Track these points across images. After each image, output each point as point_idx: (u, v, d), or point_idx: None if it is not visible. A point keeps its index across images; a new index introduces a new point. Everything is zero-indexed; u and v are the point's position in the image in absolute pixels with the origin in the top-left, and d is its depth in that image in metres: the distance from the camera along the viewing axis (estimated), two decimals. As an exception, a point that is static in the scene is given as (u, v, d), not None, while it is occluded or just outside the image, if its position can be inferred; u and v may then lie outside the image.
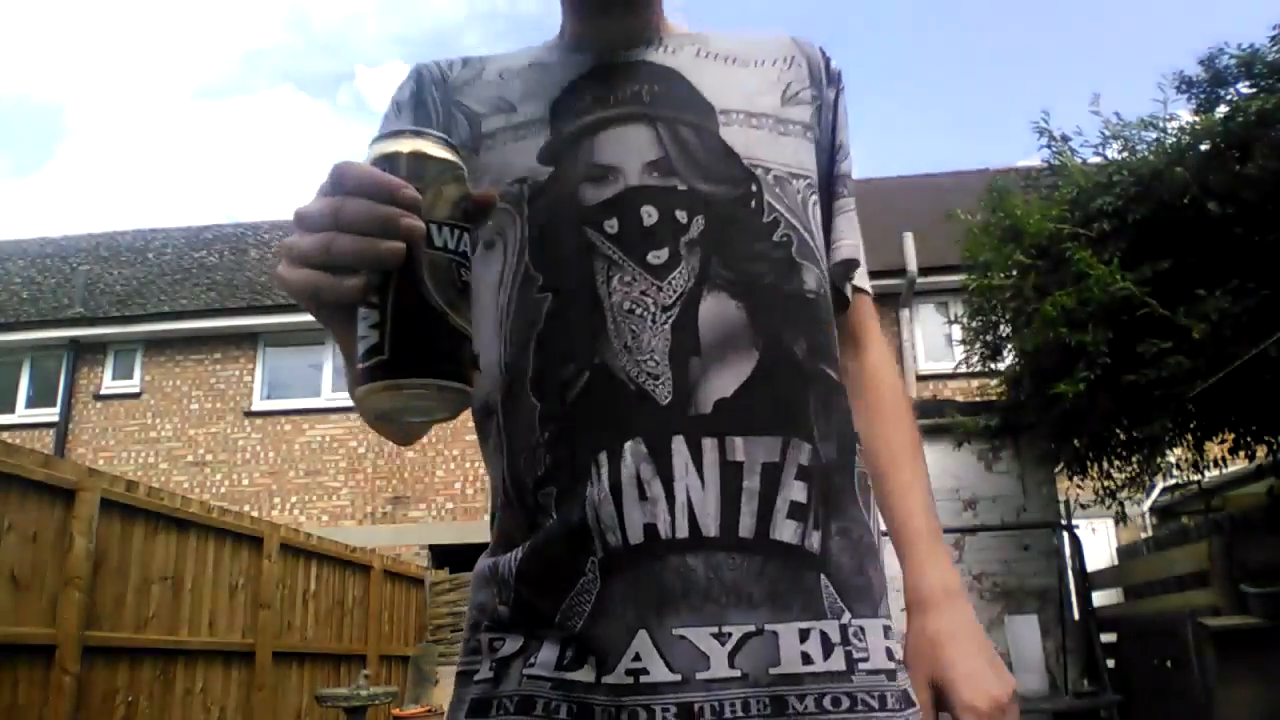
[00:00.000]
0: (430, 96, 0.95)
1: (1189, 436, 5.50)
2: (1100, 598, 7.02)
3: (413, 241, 0.56)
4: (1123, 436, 5.49)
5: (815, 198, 0.91)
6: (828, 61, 0.99)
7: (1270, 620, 4.68)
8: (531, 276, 0.83)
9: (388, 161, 0.59)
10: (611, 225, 0.82)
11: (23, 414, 12.09)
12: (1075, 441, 5.72)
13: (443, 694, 8.32)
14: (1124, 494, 5.92)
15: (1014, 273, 5.20)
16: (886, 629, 0.79)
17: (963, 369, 6.81)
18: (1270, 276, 4.09)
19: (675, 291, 0.80)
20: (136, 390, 11.93)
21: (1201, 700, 4.85)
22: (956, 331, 6.43)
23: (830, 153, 0.98)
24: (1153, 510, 9.86)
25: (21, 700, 3.84)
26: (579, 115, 0.87)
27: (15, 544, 3.88)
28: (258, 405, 11.82)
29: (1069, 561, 5.90)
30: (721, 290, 0.80)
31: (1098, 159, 5.19)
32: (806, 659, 0.73)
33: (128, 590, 4.63)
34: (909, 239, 10.89)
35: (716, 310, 0.80)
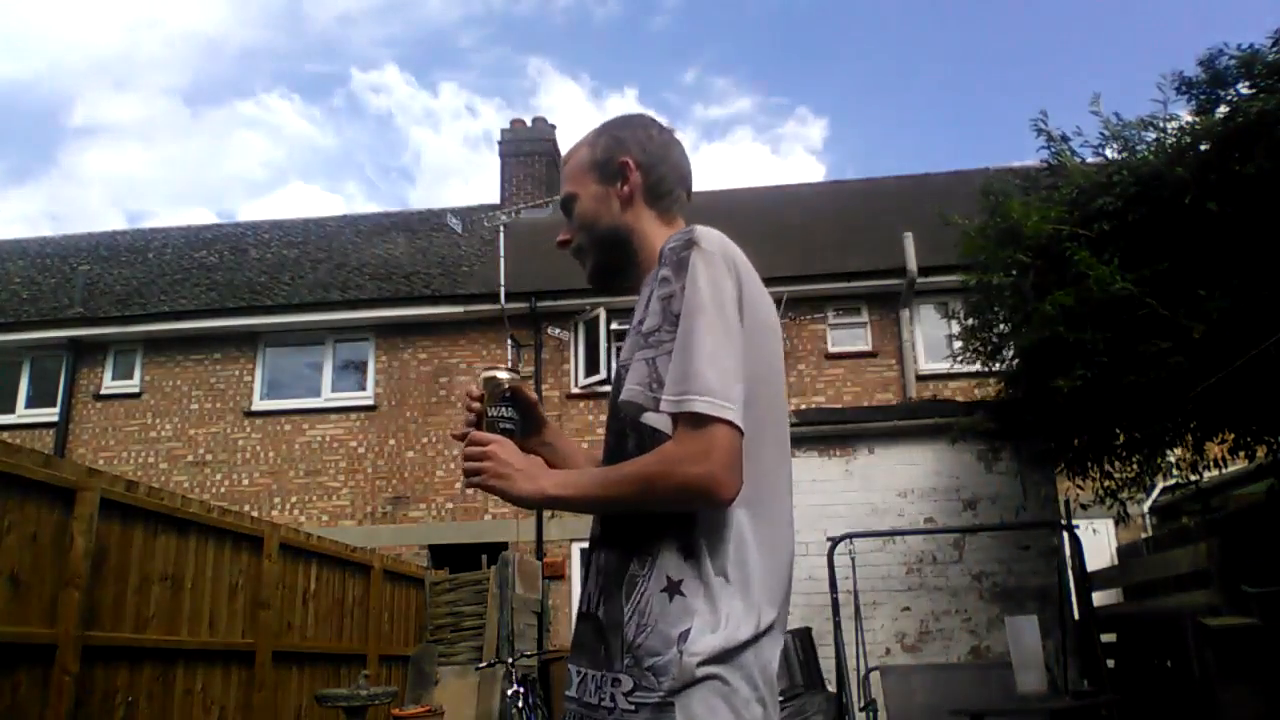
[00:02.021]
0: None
1: (1189, 436, 5.50)
2: (1100, 598, 7.02)
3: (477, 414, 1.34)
4: (1123, 436, 5.49)
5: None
6: (661, 255, 1.21)
7: (1270, 620, 4.68)
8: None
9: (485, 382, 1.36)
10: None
11: (23, 414, 12.09)
12: (1075, 441, 5.72)
13: (442, 694, 8.32)
14: (1124, 494, 5.92)
15: (1013, 272, 5.20)
16: (614, 681, 1.10)
17: (961, 369, 6.80)
18: (1270, 276, 4.09)
19: None
20: (136, 390, 11.93)
21: (1201, 700, 4.85)
22: (955, 328, 6.43)
23: (639, 321, 1.23)
24: (1153, 510, 9.85)
25: (21, 700, 3.84)
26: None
27: (15, 544, 3.87)
28: (258, 405, 11.82)
29: (1069, 561, 5.90)
30: None
31: (1097, 159, 5.19)
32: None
33: (128, 590, 4.63)
34: (909, 239, 10.88)
35: None
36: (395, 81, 60.45)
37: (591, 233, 1.37)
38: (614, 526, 1.19)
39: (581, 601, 1.22)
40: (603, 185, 1.37)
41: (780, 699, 1.26)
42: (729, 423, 1.06)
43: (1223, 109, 4.48)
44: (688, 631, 1.06)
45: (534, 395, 1.37)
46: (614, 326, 11.29)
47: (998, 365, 6.04)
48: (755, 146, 57.55)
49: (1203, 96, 4.65)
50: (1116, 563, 9.05)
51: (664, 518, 1.12)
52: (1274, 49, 4.34)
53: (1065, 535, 5.86)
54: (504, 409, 1.30)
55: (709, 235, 1.19)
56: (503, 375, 1.31)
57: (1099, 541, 9.13)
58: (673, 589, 1.09)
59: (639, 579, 1.13)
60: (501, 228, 12.39)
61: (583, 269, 1.40)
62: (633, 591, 1.12)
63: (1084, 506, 6.63)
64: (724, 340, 1.10)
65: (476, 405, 1.29)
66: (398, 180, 66.29)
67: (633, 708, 1.06)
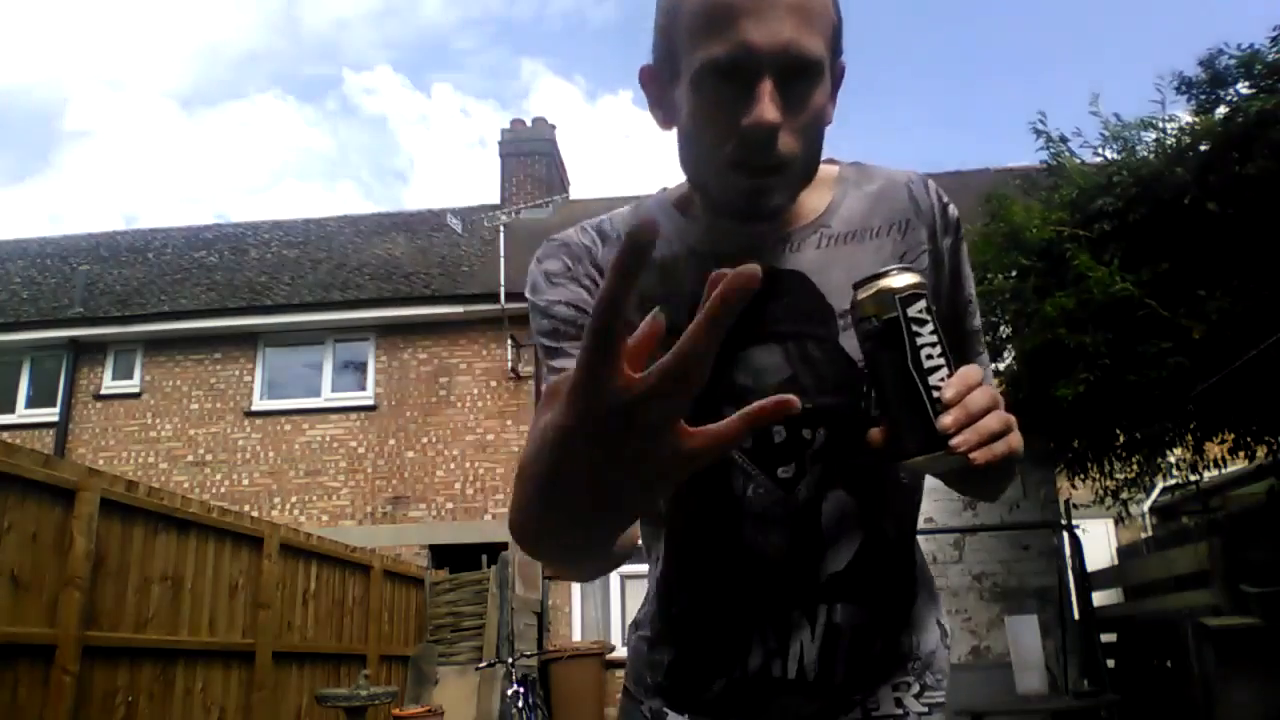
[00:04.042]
0: (582, 270, 0.97)
1: (1189, 436, 5.50)
2: (1100, 598, 7.01)
3: None
4: (1123, 437, 5.49)
5: None
6: (945, 207, 0.98)
7: (1270, 620, 4.68)
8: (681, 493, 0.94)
9: None
10: (747, 442, 0.91)
11: (23, 414, 12.08)
12: (1075, 442, 5.72)
13: (442, 694, 8.32)
14: (1124, 494, 5.92)
15: (1014, 274, 5.20)
16: (894, 686, 1.00)
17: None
18: (1270, 276, 4.09)
19: (799, 499, 0.93)
20: (136, 390, 11.93)
21: (1201, 700, 4.85)
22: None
23: (961, 307, 0.99)
24: (1153, 510, 9.86)
25: (21, 700, 3.84)
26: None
27: (15, 544, 3.87)
28: (258, 405, 11.82)
29: (1069, 561, 5.90)
30: (840, 489, 0.94)
31: (1097, 159, 5.19)
32: None
33: (128, 590, 4.63)
34: (909, 239, 10.87)
35: (836, 507, 0.94)
36: (389, 84, 60.55)
37: (816, 144, 0.89)
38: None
39: (814, 671, 0.97)
40: (832, 78, 0.89)
41: None
42: None
43: (1223, 109, 4.48)
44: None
45: None
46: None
47: (1000, 367, 6.04)
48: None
49: (1203, 96, 4.66)
50: (1116, 563, 9.05)
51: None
52: (1274, 49, 4.35)
53: (1065, 535, 5.86)
54: None
55: None
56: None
57: (1099, 541, 9.13)
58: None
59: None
60: (501, 228, 12.39)
61: (751, 192, 0.86)
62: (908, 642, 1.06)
63: (1080, 507, 6.63)
64: None
65: (928, 325, 0.76)
66: (392, 181, 66.44)
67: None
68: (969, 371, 0.74)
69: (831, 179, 0.98)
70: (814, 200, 0.96)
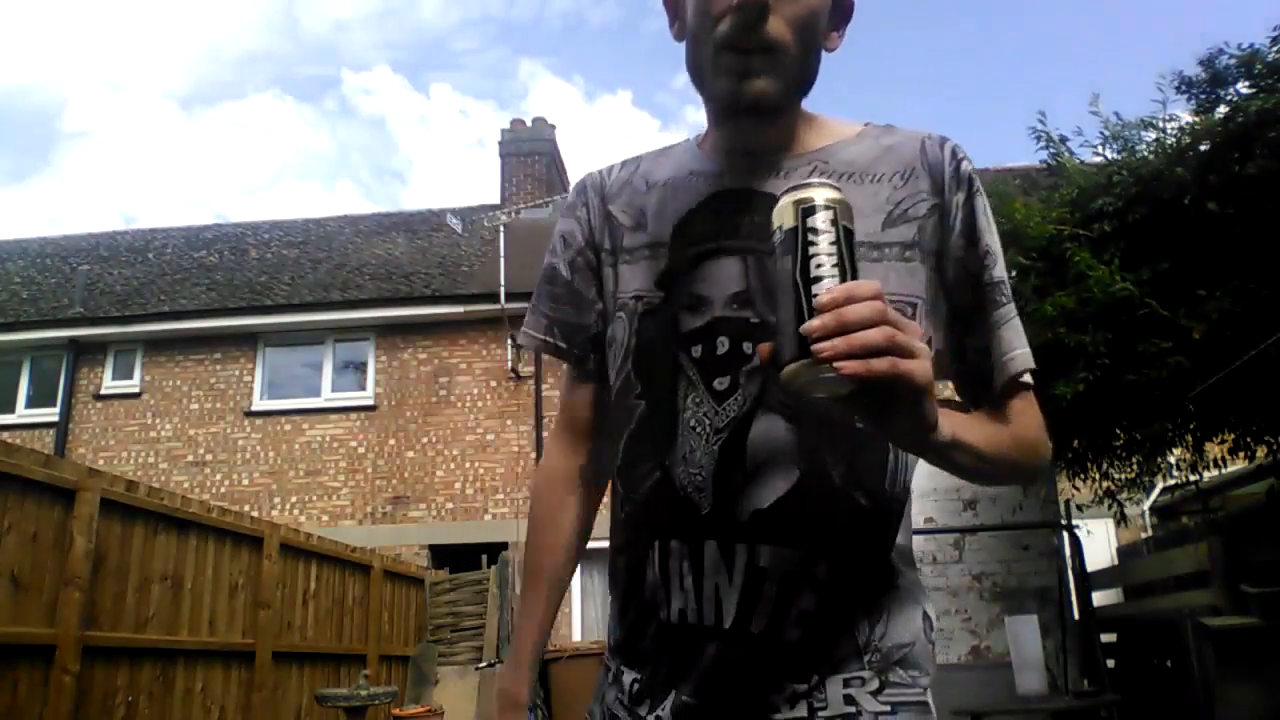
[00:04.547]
0: (589, 201, 1.09)
1: (1189, 436, 5.50)
2: (1100, 598, 7.02)
3: None
4: (1123, 437, 5.49)
5: (909, 315, 0.93)
6: (958, 164, 0.97)
7: (1270, 620, 4.68)
8: (631, 384, 0.99)
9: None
10: (696, 350, 0.94)
11: (23, 414, 12.08)
12: (1075, 442, 5.72)
13: (442, 694, 8.32)
14: (1124, 494, 5.92)
15: (1013, 274, 5.20)
16: (845, 681, 0.91)
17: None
18: (1270, 276, 4.09)
19: (728, 415, 0.91)
20: (136, 390, 11.93)
21: (1201, 700, 4.85)
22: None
23: (976, 260, 0.96)
24: (1153, 510, 9.86)
25: (21, 700, 3.84)
26: (691, 244, 0.97)
27: (15, 544, 3.87)
28: (258, 405, 11.82)
29: (1069, 561, 5.90)
30: (775, 413, 0.90)
31: (1097, 159, 5.19)
32: None
33: (128, 590, 4.63)
34: (909, 239, 10.88)
35: (765, 431, 0.90)
36: (388, 84, 60.64)
37: (809, 46, 0.93)
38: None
39: (731, 617, 0.92)
40: (834, 4, 0.96)
41: None
42: None
43: (1223, 109, 4.48)
44: None
45: None
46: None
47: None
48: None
49: (1203, 96, 4.65)
50: (1116, 563, 9.05)
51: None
52: (1274, 48, 4.35)
53: (1065, 535, 5.86)
54: None
55: None
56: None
57: (1099, 541, 9.13)
58: None
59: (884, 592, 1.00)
60: (501, 228, 12.39)
61: (740, 74, 0.90)
62: (877, 614, 0.97)
63: (1081, 508, 6.63)
64: None
65: (827, 235, 0.72)
66: (391, 182, 66.53)
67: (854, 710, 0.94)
68: (859, 285, 0.69)
69: (853, 131, 1.01)
70: (819, 139, 0.99)
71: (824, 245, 0.71)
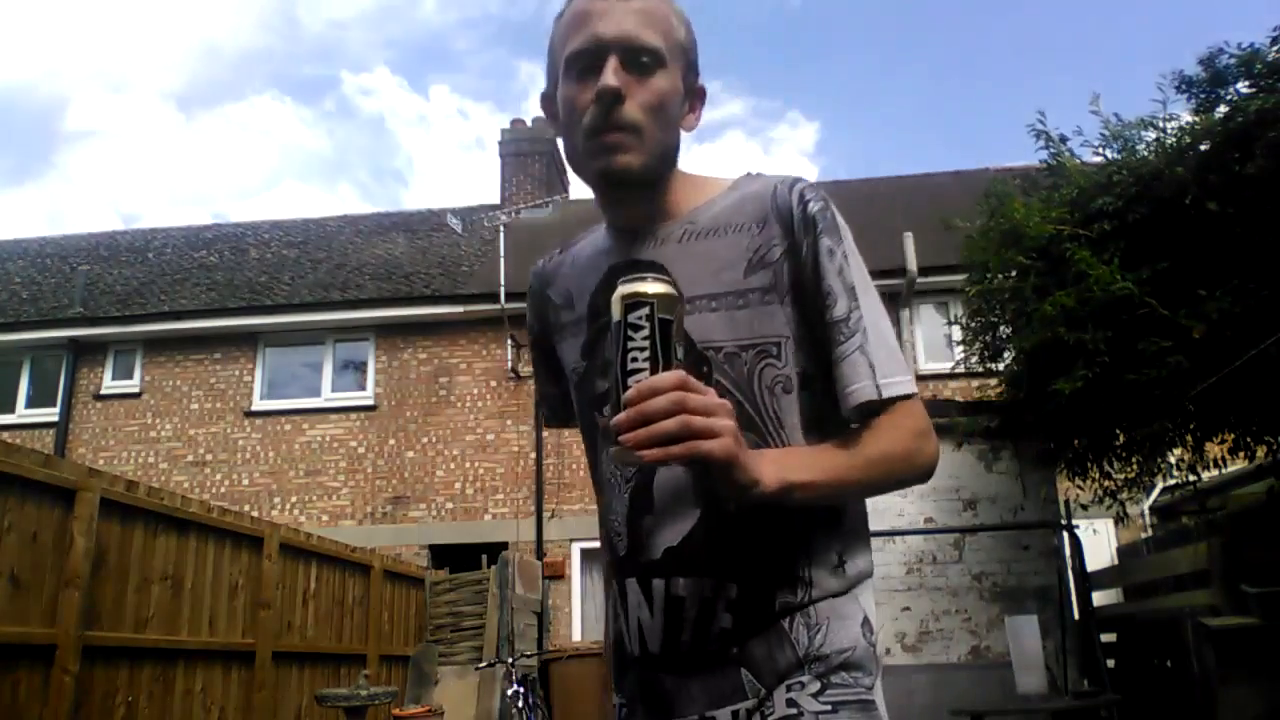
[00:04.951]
0: (536, 290, 1.24)
1: (1189, 436, 5.50)
2: (1100, 598, 7.02)
3: None
4: (1123, 437, 5.49)
5: (764, 363, 1.03)
6: (804, 206, 1.04)
7: (1270, 620, 4.68)
8: (585, 445, 1.17)
9: None
10: (606, 411, 1.00)
11: (23, 414, 12.08)
12: (1075, 442, 5.71)
13: (442, 694, 8.32)
14: (1124, 494, 5.92)
15: (1013, 274, 5.20)
16: (788, 687, 1.00)
17: (961, 369, 6.81)
18: (1270, 276, 4.09)
19: (633, 470, 1.04)
20: (136, 390, 11.93)
21: (1201, 700, 4.85)
22: (956, 332, 6.43)
23: (820, 300, 1.03)
24: (1153, 510, 9.85)
25: (21, 700, 3.84)
26: (599, 316, 1.09)
27: (15, 544, 3.87)
28: (258, 405, 11.82)
29: (1069, 561, 5.90)
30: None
31: (1097, 159, 5.19)
32: None
33: (128, 590, 4.63)
34: (909, 239, 10.88)
35: (668, 477, 1.02)
36: (387, 85, 60.66)
37: (664, 125, 1.04)
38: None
39: (658, 642, 1.04)
40: (684, 86, 1.08)
41: None
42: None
43: (1222, 108, 4.48)
44: None
45: None
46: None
47: (999, 366, 6.04)
48: (747, 146, 57.67)
49: (1203, 96, 4.65)
50: (1116, 563, 9.05)
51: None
52: (1274, 48, 4.34)
53: (1065, 535, 5.86)
54: (681, 349, 0.86)
55: (818, 185, 1.07)
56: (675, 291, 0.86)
57: (1099, 541, 9.13)
58: None
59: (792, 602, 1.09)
60: (501, 228, 12.39)
61: (606, 151, 1.01)
62: (789, 620, 1.06)
63: (1084, 506, 6.63)
64: (884, 309, 1.06)
65: (643, 331, 0.83)
66: (391, 183, 66.54)
67: (797, 712, 1.03)
68: (661, 378, 0.81)
69: (723, 185, 1.12)
70: (690, 200, 1.10)
71: (639, 340, 0.82)
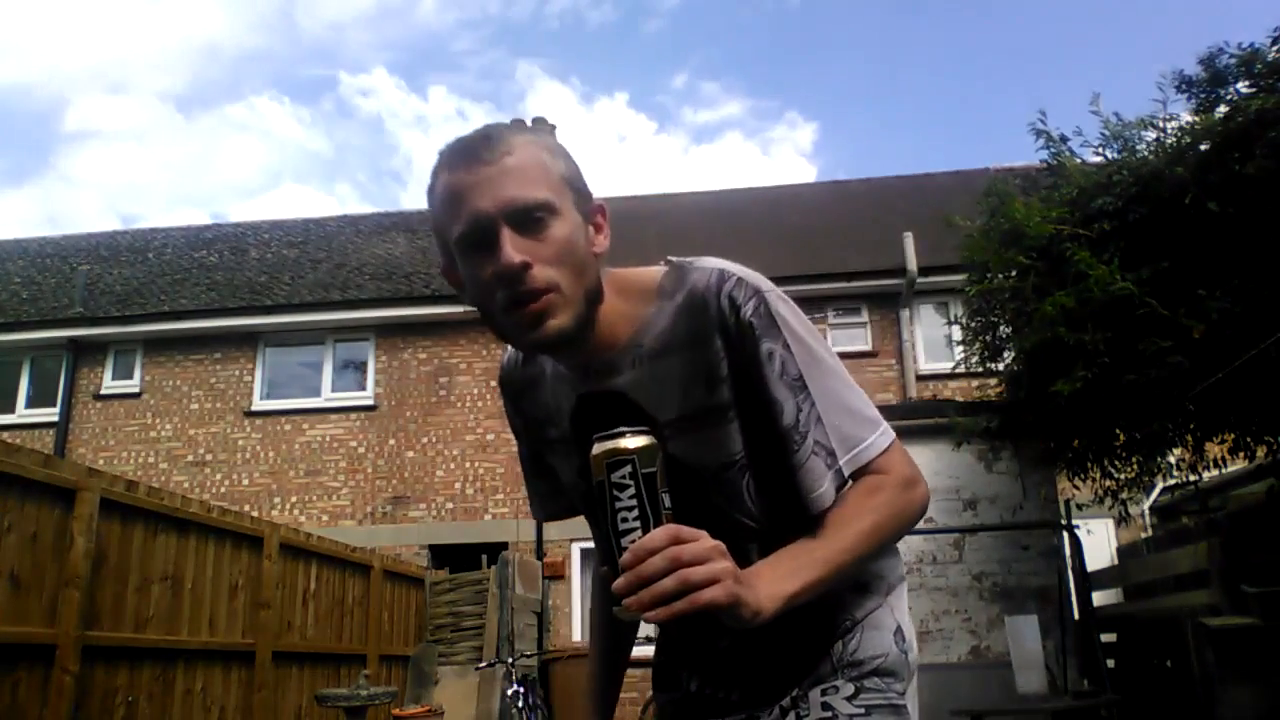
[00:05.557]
0: (511, 401, 1.25)
1: (1189, 436, 5.50)
2: (1100, 598, 7.02)
3: None
4: (1123, 437, 5.48)
5: (748, 476, 1.05)
6: (737, 314, 1.02)
7: (1270, 620, 4.68)
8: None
9: None
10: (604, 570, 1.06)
11: (23, 414, 12.08)
12: (1075, 442, 5.71)
13: (442, 694, 8.32)
14: (1124, 494, 5.92)
15: (1014, 274, 5.20)
16: (823, 690, 1.08)
17: (961, 369, 6.81)
18: (1270, 276, 4.09)
19: None
20: (136, 390, 11.93)
21: (1201, 700, 4.85)
22: (956, 332, 6.43)
23: (765, 411, 1.02)
24: (1153, 510, 9.85)
25: (21, 700, 3.84)
26: (582, 443, 1.02)
27: (15, 544, 3.87)
28: (258, 405, 11.82)
29: (1069, 561, 5.90)
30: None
31: (1097, 159, 5.19)
32: None
33: (128, 590, 4.63)
34: (909, 239, 10.88)
35: None
36: (385, 85, 60.66)
37: (578, 270, 0.99)
38: None
39: None
40: (582, 216, 1.02)
41: None
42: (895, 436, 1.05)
43: (1223, 108, 4.48)
44: None
45: None
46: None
47: (999, 366, 6.04)
48: (745, 146, 57.68)
49: (1203, 96, 4.65)
50: (1116, 563, 9.05)
51: None
52: (1274, 48, 4.35)
53: (1065, 535, 5.86)
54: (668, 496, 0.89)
55: (744, 270, 1.06)
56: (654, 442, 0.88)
57: (1099, 541, 9.13)
58: None
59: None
60: (501, 228, 12.37)
61: (532, 324, 0.97)
62: None
63: (1080, 507, 6.63)
64: (838, 364, 1.05)
65: (628, 490, 0.85)
66: (389, 183, 66.55)
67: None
68: (653, 536, 0.82)
69: (652, 290, 1.07)
70: (630, 318, 1.06)
71: (626, 499, 0.84)
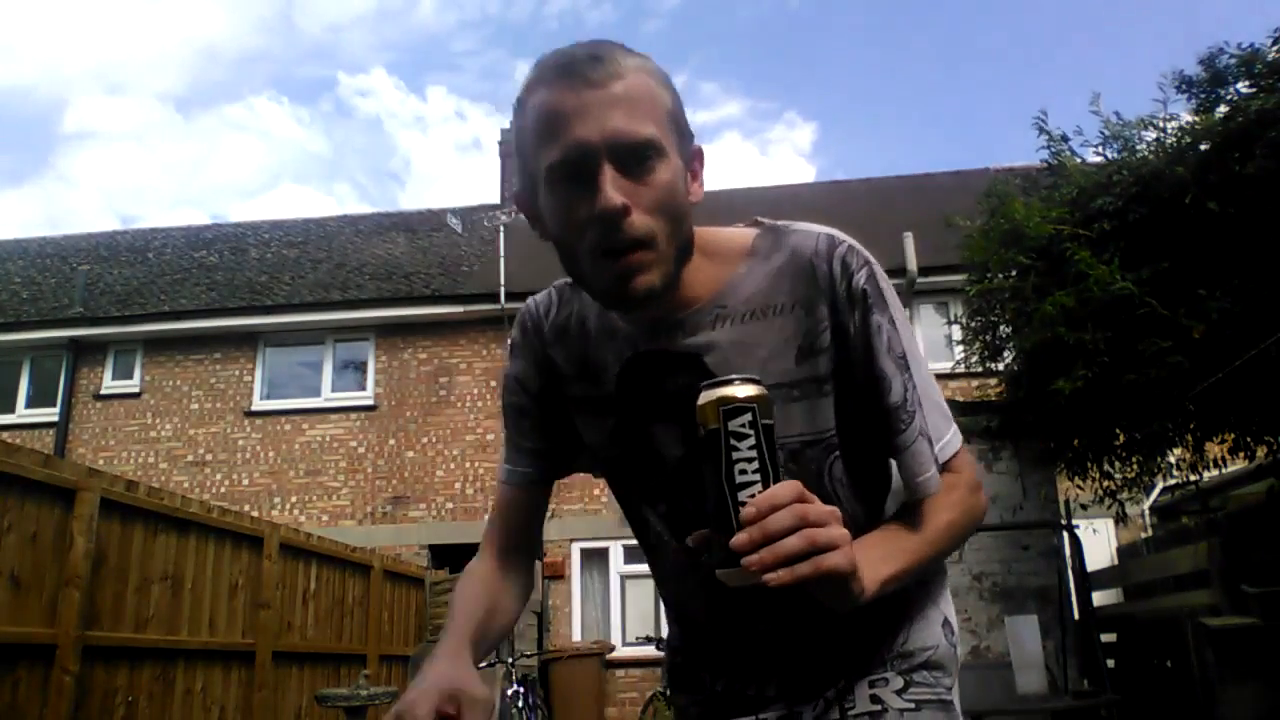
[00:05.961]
0: (537, 352, 1.09)
1: (1189, 436, 5.50)
2: (1100, 598, 7.02)
3: None
4: (1123, 437, 5.49)
5: (833, 455, 0.98)
6: (849, 280, 0.95)
7: (1270, 620, 4.68)
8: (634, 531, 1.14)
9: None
10: (661, 508, 1.04)
11: (23, 414, 12.08)
12: (1075, 442, 5.71)
13: (443, 694, 8.30)
14: (1124, 494, 5.92)
15: (1014, 274, 5.20)
16: (871, 682, 1.04)
17: (961, 369, 6.81)
18: (1270, 276, 4.09)
19: (702, 572, 0.93)
20: (136, 390, 11.93)
21: (1201, 700, 4.85)
22: (956, 332, 6.42)
23: (874, 385, 0.96)
24: (1153, 510, 9.86)
25: (21, 700, 3.84)
26: (628, 405, 1.02)
27: (15, 544, 3.87)
28: (258, 405, 11.82)
29: (1069, 561, 5.90)
30: None
31: (1097, 159, 5.19)
32: None
33: (128, 590, 4.63)
34: (909, 239, 10.88)
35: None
36: (384, 86, 60.72)
37: (676, 221, 0.91)
38: None
39: None
40: (682, 160, 0.93)
41: None
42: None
43: (1223, 108, 4.48)
44: None
45: None
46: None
47: (999, 366, 6.04)
48: (744, 146, 57.70)
49: (1203, 96, 4.65)
50: (1116, 563, 9.05)
51: None
52: (1274, 48, 4.35)
53: (1065, 535, 5.85)
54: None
55: (851, 238, 0.99)
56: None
57: (1099, 541, 9.13)
58: None
59: None
60: (501, 227, 12.39)
61: (622, 277, 0.89)
62: None
63: (1084, 506, 6.63)
64: (920, 350, 1.02)
65: (748, 440, 0.76)
66: (388, 184, 66.61)
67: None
68: (779, 490, 0.73)
69: (743, 250, 0.99)
70: (714, 278, 0.97)
71: (745, 450, 0.76)
